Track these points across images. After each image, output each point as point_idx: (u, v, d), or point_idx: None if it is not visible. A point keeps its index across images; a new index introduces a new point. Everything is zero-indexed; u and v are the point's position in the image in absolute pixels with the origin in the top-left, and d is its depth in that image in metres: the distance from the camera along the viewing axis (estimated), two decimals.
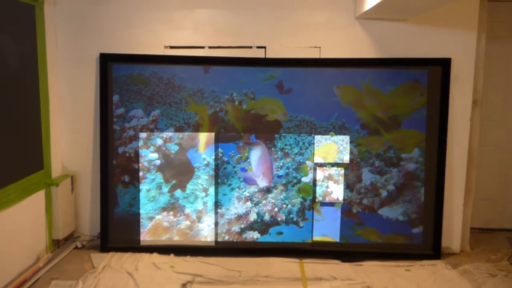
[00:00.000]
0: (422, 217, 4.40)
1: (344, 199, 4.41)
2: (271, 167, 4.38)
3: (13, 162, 3.77)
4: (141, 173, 4.40)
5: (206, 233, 4.44)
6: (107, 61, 4.36)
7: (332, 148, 4.38)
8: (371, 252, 4.38)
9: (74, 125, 4.57)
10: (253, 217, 4.42)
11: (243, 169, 4.38)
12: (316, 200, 4.41)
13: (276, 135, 4.39)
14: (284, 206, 4.42)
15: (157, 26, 4.45)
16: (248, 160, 4.38)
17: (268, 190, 4.42)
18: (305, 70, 4.36)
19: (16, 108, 3.81)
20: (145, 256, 4.26)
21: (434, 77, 4.32)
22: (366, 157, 4.38)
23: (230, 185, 4.43)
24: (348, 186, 4.41)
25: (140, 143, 4.39)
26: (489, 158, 5.08)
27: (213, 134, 4.40)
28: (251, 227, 4.43)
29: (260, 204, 4.42)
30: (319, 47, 4.45)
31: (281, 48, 4.46)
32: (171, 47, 4.48)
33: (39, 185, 4.14)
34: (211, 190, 4.42)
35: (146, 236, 4.43)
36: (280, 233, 4.41)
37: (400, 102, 4.33)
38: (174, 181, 4.40)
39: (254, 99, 4.37)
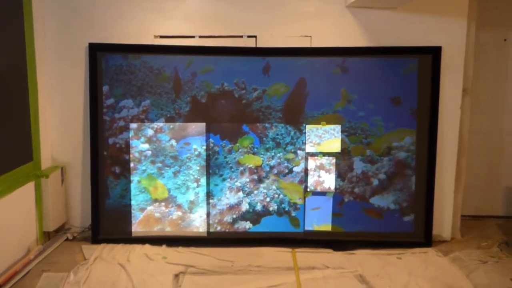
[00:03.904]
0: (413, 205, 4.42)
1: (335, 188, 4.42)
2: None
3: (1, 153, 3.72)
4: (132, 164, 4.38)
5: (198, 223, 4.43)
6: (96, 51, 4.31)
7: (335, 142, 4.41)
8: (363, 241, 4.39)
9: (63, 116, 4.53)
10: (245, 207, 4.41)
11: None
12: (308, 189, 4.42)
13: (267, 125, 4.38)
14: (276, 196, 4.42)
15: (146, 15, 4.41)
16: None
17: (260, 180, 4.41)
18: (296, 59, 4.35)
19: (4, 99, 3.75)
20: (137, 247, 4.25)
21: (424, 66, 4.33)
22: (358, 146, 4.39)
23: (221, 175, 4.42)
24: (340, 175, 4.42)
25: (131, 133, 4.36)
26: (479, 146, 5.12)
27: (204, 124, 4.38)
28: (243, 217, 4.42)
29: (252, 194, 4.42)
30: (310, 36, 4.43)
31: (272, 37, 4.44)
32: (161, 37, 4.44)
33: (29, 176, 4.10)
34: (203, 180, 4.40)
35: (137, 227, 4.42)
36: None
37: None
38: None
39: (245, 89, 4.36)
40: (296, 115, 4.38)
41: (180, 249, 4.27)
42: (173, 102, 4.34)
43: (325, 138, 4.38)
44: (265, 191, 4.41)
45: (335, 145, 4.38)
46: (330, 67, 4.34)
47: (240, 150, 4.40)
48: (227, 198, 4.42)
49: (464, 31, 4.39)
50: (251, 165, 4.40)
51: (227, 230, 4.43)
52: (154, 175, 4.37)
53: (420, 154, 4.39)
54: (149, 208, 4.40)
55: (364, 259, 4.10)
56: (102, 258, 4.03)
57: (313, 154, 4.40)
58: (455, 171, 4.56)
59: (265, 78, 4.35)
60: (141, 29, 4.41)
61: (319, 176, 4.41)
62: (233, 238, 4.41)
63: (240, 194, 4.41)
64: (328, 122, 4.37)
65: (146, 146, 4.38)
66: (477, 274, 3.84)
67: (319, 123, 4.37)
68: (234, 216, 4.42)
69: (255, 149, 4.40)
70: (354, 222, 4.43)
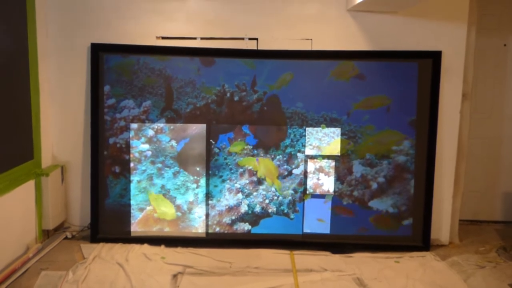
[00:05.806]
0: (412, 209, 4.43)
1: (334, 191, 4.43)
2: None
3: (2, 152, 3.74)
4: (132, 164, 4.39)
5: (197, 224, 4.44)
6: (98, 51, 4.33)
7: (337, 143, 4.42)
8: (361, 244, 4.40)
9: (64, 115, 4.54)
10: (244, 208, 4.42)
11: None
12: (307, 192, 4.43)
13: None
14: (275, 198, 4.43)
15: (149, 17, 4.43)
16: None
17: (259, 182, 4.42)
18: (297, 62, 4.37)
19: (6, 97, 3.77)
20: (136, 247, 4.25)
21: (424, 70, 4.34)
22: (357, 149, 4.40)
23: (221, 176, 4.43)
24: (339, 178, 4.43)
25: (131, 134, 4.38)
26: (478, 151, 5.13)
27: (204, 125, 4.40)
28: (242, 218, 4.43)
29: (251, 196, 4.42)
30: (311, 39, 4.45)
31: (273, 40, 4.46)
32: (163, 38, 4.46)
33: (29, 175, 4.11)
34: (202, 181, 4.42)
35: (136, 227, 4.43)
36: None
37: None
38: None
39: (246, 91, 4.37)
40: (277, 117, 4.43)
41: (179, 249, 4.28)
42: (174, 103, 4.36)
43: (325, 141, 4.39)
44: (264, 192, 4.42)
45: (335, 148, 4.40)
46: (328, 70, 4.37)
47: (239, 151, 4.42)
48: (227, 199, 4.43)
49: (464, 35, 4.41)
50: (250, 167, 4.41)
51: (226, 231, 4.44)
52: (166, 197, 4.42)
53: (419, 158, 4.40)
54: (148, 208, 4.41)
55: (362, 262, 4.10)
56: (101, 257, 4.04)
57: (312, 157, 4.41)
58: (454, 175, 4.57)
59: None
60: (143, 30, 4.43)
61: (318, 179, 4.42)
62: (231, 239, 4.41)
63: (240, 195, 4.42)
64: (328, 125, 4.39)
65: (146, 146, 4.39)
66: (474, 279, 3.85)
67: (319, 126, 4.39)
68: (233, 218, 4.43)
69: (255, 151, 4.41)
70: (353, 225, 4.44)
